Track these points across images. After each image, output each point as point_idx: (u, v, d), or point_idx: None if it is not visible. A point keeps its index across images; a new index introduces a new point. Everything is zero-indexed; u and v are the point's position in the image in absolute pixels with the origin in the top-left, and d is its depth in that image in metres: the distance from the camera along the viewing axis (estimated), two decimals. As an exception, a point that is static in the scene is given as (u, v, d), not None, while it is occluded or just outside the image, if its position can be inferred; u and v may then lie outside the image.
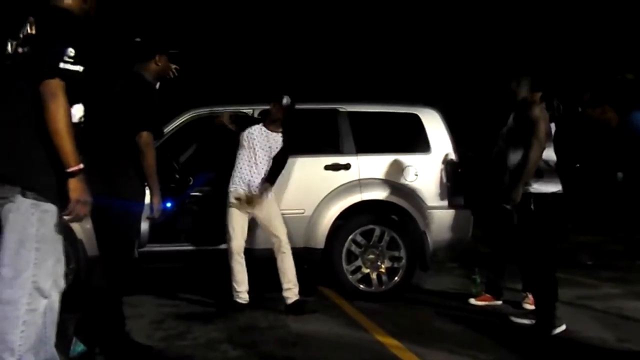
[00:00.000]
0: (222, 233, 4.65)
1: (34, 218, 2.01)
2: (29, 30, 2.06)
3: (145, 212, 4.20)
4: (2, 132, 2.05)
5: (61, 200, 2.04)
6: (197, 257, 4.66)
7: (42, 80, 1.97)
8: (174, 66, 3.24)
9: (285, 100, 4.22)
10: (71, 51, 2.03)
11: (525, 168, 3.47)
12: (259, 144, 4.25)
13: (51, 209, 2.04)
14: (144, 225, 4.34)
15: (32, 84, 1.99)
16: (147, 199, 3.48)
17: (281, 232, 4.19)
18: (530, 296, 4.14)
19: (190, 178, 5.51)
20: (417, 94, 8.08)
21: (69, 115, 2.00)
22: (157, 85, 3.20)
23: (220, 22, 12.37)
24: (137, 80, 3.06)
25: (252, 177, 4.23)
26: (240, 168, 4.27)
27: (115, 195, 2.86)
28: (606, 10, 11.04)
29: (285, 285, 4.14)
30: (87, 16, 2.25)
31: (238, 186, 4.25)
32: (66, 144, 1.98)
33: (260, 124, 4.32)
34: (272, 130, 4.28)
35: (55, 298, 2.13)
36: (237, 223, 4.20)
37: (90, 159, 2.44)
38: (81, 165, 2.01)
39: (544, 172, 3.54)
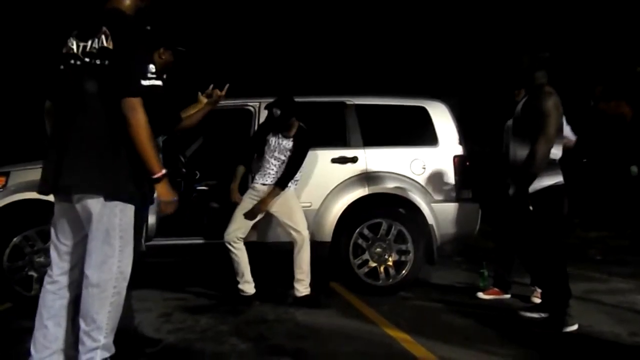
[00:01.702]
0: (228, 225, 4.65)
1: (117, 209, 2.25)
2: (105, 44, 2.21)
3: (152, 207, 4.22)
4: (81, 142, 2.21)
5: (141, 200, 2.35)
6: (204, 251, 4.64)
7: (125, 97, 2.16)
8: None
9: (275, 112, 4.16)
10: (152, 67, 2.38)
11: (529, 169, 3.28)
12: (277, 145, 4.24)
13: (131, 207, 2.30)
14: (152, 219, 4.35)
15: (114, 99, 2.17)
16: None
17: (302, 226, 4.17)
18: (538, 290, 4.11)
19: (197, 172, 5.53)
20: (426, 87, 8.03)
21: (148, 127, 2.20)
22: (164, 77, 3.17)
23: (227, 15, 12.33)
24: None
25: (275, 175, 4.21)
26: (264, 164, 4.25)
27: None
28: (621, 1, 10.92)
29: (298, 276, 4.13)
30: (141, 11, 2.40)
31: (257, 184, 4.24)
32: (149, 154, 2.21)
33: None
34: (284, 136, 4.27)
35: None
36: (241, 213, 4.20)
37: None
38: (164, 171, 2.27)
39: (548, 166, 3.38)
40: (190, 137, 5.38)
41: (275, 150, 4.24)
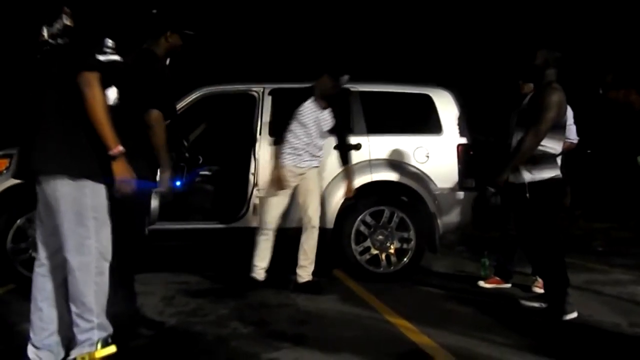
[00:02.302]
0: (232, 211, 4.66)
1: (86, 190, 2.23)
2: (65, 22, 2.18)
3: (154, 191, 4.23)
4: (48, 124, 2.20)
5: (108, 180, 2.27)
6: (206, 235, 4.66)
7: (80, 72, 2.13)
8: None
9: (344, 80, 4.11)
10: (109, 42, 2.25)
11: (515, 155, 3.38)
12: (311, 119, 4.15)
13: (101, 186, 2.26)
14: (155, 203, 4.35)
15: (71, 75, 2.15)
16: (157, 177, 3.48)
17: (313, 210, 4.17)
18: (539, 280, 4.12)
19: (200, 157, 5.52)
20: (431, 75, 7.99)
21: (105, 102, 2.17)
22: (167, 62, 3.15)
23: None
24: (147, 55, 3.01)
25: (302, 152, 4.16)
26: (292, 142, 4.16)
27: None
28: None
29: (301, 263, 4.14)
30: None
31: (288, 161, 4.16)
32: (105, 130, 2.17)
33: (312, 99, 4.18)
34: (321, 107, 4.17)
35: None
36: (276, 198, 4.15)
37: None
38: (121, 148, 2.21)
39: (540, 159, 3.42)
40: (193, 122, 5.36)
41: (318, 127, 4.17)
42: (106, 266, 2.30)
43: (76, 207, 2.21)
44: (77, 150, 2.19)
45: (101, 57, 2.19)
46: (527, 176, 3.45)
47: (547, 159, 3.44)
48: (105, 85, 2.20)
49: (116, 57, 2.23)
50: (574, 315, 3.39)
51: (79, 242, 2.22)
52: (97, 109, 2.13)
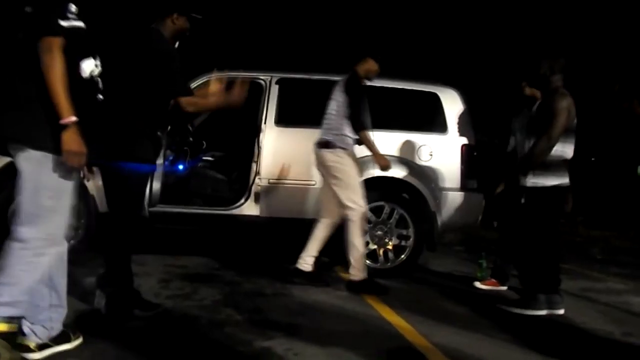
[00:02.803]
0: (233, 198, 4.68)
1: (46, 168, 2.13)
2: None
3: (158, 173, 4.24)
4: (7, 92, 2.14)
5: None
6: (206, 221, 4.68)
7: (41, 37, 2.06)
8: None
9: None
10: (72, 7, 2.12)
11: (528, 159, 3.43)
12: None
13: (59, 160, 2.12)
14: (156, 185, 4.38)
15: (34, 41, 2.07)
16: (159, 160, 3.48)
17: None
18: (492, 280, 4.21)
19: (204, 142, 5.53)
20: (436, 73, 7.97)
21: (62, 70, 2.07)
22: (176, 45, 3.13)
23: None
24: (153, 35, 2.97)
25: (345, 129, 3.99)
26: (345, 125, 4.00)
27: (128, 155, 2.85)
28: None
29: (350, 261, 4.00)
30: None
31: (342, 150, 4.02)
32: (58, 97, 2.06)
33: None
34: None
35: (65, 249, 2.29)
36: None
37: (106, 117, 2.48)
38: (73, 118, 2.09)
39: (551, 165, 3.49)
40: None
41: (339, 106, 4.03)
42: (52, 252, 2.20)
43: (34, 182, 2.13)
44: (43, 120, 2.09)
45: (63, 23, 2.08)
46: (529, 181, 3.50)
47: (558, 165, 3.52)
48: (79, 56, 2.15)
49: (79, 24, 2.11)
50: (543, 312, 3.52)
51: (29, 218, 2.13)
52: (53, 75, 2.04)
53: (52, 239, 2.20)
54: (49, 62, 2.05)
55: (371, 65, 4.08)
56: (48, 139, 2.10)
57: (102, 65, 2.34)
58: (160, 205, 4.45)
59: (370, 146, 4.00)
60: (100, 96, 2.34)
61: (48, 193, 2.14)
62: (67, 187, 2.21)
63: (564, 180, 3.55)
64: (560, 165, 3.53)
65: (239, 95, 3.05)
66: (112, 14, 2.48)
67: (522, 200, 3.59)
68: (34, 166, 2.13)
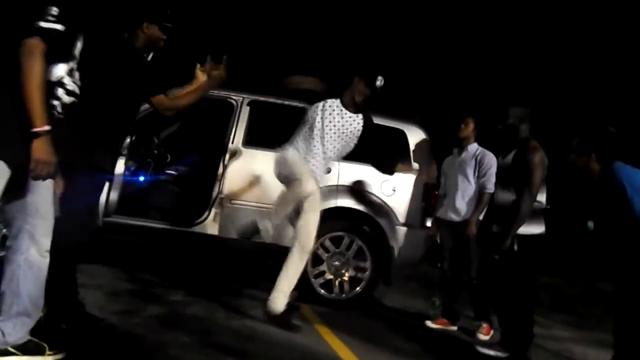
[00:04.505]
0: (192, 215, 4.59)
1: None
2: None
3: (116, 183, 4.14)
4: None
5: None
6: (162, 236, 4.57)
7: (22, 40, 2.00)
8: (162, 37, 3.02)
9: (379, 82, 3.75)
10: (53, 10, 2.08)
11: (515, 220, 3.48)
12: (332, 121, 3.80)
13: None
14: (114, 195, 4.27)
15: (14, 46, 2.01)
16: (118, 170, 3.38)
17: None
18: (485, 325, 4.20)
19: (168, 155, 5.44)
20: (402, 106, 8.14)
21: (42, 76, 2.02)
22: (150, 57, 3.09)
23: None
24: (123, 44, 2.92)
25: (313, 157, 3.78)
26: (299, 144, 3.82)
27: (83, 162, 2.76)
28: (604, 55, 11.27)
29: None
30: None
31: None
32: (33, 104, 2.01)
33: (338, 100, 3.85)
34: (350, 111, 3.84)
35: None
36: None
37: (72, 124, 2.42)
38: (46, 127, 2.04)
39: (534, 214, 3.58)
40: (167, 120, 5.30)
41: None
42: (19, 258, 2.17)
43: None
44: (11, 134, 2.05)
45: (43, 24, 2.04)
46: (524, 229, 3.56)
47: (537, 215, 3.61)
48: (52, 59, 2.10)
49: (58, 26, 2.06)
50: None
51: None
52: (30, 81, 1.99)
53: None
54: (30, 66, 1.99)
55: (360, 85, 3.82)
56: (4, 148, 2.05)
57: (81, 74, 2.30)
58: (116, 216, 4.33)
59: None
60: (57, 102, 2.26)
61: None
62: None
63: (543, 228, 3.67)
64: (539, 213, 3.66)
65: (219, 76, 3.07)
66: (89, 21, 2.43)
67: (515, 249, 3.59)
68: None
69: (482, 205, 4.27)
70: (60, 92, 2.24)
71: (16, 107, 2.02)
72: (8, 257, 2.18)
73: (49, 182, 2.18)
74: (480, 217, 4.24)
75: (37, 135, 2.03)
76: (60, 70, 2.20)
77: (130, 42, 2.94)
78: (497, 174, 3.99)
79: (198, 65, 3.24)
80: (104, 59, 2.86)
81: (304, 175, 3.58)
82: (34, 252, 2.20)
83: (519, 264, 3.58)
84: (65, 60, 2.21)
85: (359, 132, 3.89)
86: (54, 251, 2.82)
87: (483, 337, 4.17)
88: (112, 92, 2.80)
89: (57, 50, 2.12)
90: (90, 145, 2.77)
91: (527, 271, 3.60)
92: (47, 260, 2.27)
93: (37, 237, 2.20)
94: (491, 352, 3.69)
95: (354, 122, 3.86)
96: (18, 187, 2.13)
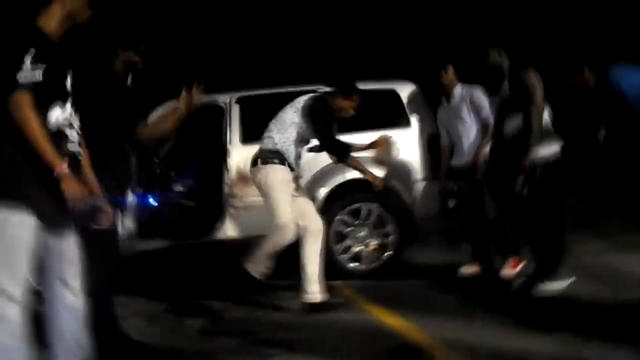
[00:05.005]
0: (210, 223, 4.62)
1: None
2: None
3: (128, 211, 4.16)
4: None
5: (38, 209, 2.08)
6: (186, 251, 4.62)
7: (7, 97, 2.02)
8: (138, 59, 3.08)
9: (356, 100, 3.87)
10: (27, 60, 2.05)
11: (530, 136, 3.45)
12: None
13: (18, 215, 2.06)
14: (130, 224, 4.30)
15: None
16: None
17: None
18: (512, 260, 4.20)
19: (172, 172, 5.46)
20: (395, 67, 8.06)
21: (39, 123, 2.03)
22: (129, 80, 3.11)
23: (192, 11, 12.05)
24: (103, 74, 2.97)
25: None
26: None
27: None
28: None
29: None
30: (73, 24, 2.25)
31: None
32: (44, 150, 2.04)
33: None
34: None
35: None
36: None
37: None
38: (65, 166, 2.07)
39: (543, 136, 3.54)
40: (161, 139, 5.31)
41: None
42: (7, 310, 2.04)
43: None
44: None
45: (21, 79, 2.02)
46: (538, 156, 3.54)
47: (548, 136, 3.57)
48: (44, 105, 2.10)
49: (36, 73, 2.04)
50: (566, 283, 3.47)
51: None
52: (30, 131, 2.01)
53: (8, 294, 2.05)
54: (24, 119, 2.01)
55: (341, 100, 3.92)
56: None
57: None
58: (138, 242, 4.38)
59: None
60: (71, 143, 2.26)
61: None
62: (12, 239, 2.08)
63: (559, 147, 3.63)
64: (549, 134, 3.62)
65: (188, 100, 3.01)
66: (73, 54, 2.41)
67: (538, 176, 3.54)
68: None
69: (487, 138, 4.26)
70: (68, 131, 2.24)
71: (29, 159, 2.05)
72: (48, 310, 2.23)
73: (71, 225, 2.21)
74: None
75: (61, 174, 2.06)
76: (54, 114, 2.20)
77: (109, 71, 2.97)
78: (499, 110, 3.93)
79: (183, 92, 3.18)
80: (94, 89, 2.90)
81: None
82: (69, 296, 2.23)
83: (544, 189, 3.55)
84: (61, 99, 2.20)
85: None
86: (88, 288, 2.88)
87: (512, 270, 4.18)
88: (107, 121, 2.85)
89: (47, 94, 2.12)
90: (100, 176, 2.79)
91: (552, 194, 3.58)
92: (83, 300, 2.30)
93: (68, 281, 2.23)
94: (525, 282, 3.67)
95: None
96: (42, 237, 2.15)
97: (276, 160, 3.72)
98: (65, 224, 2.21)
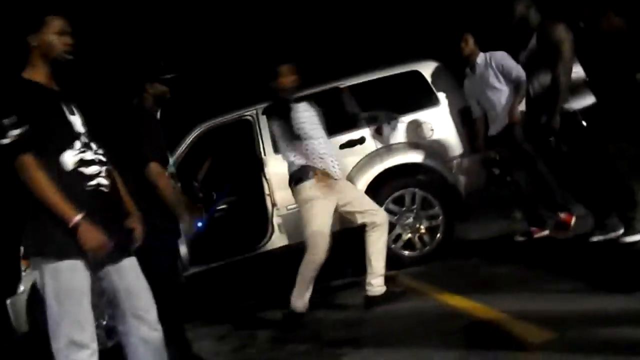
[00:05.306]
0: (258, 236, 4.68)
1: (47, 270, 2.10)
2: None
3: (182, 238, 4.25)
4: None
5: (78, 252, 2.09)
6: (241, 266, 4.69)
7: (10, 161, 2.06)
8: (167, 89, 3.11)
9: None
10: (6, 121, 2.05)
11: (558, 95, 3.37)
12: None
13: (63, 265, 2.09)
14: (183, 249, 4.40)
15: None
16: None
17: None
18: (560, 215, 4.09)
19: (214, 193, 5.57)
20: (417, 47, 7.94)
21: (46, 180, 2.05)
22: (159, 113, 3.16)
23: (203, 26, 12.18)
24: (134, 111, 3.05)
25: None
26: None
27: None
28: None
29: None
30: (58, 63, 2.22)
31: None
32: (56, 206, 2.05)
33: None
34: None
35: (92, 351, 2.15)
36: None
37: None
38: (78, 217, 2.05)
39: (577, 87, 3.44)
40: (198, 162, 5.42)
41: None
42: (82, 355, 2.07)
43: (43, 287, 2.13)
44: (34, 228, 2.14)
45: (4, 141, 2.03)
46: (573, 106, 3.46)
47: (581, 86, 3.48)
48: (54, 152, 2.11)
49: (17, 132, 2.03)
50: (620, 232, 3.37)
51: (50, 326, 2.09)
52: (39, 190, 2.04)
53: (77, 344, 2.08)
54: (30, 179, 2.04)
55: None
56: (50, 249, 2.09)
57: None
58: (193, 267, 4.48)
59: None
60: (93, 179, 2.22)
61: (54, 295, 2.09)
62: (73, 285, 2.11)
63: (593, 98, 3.51)
64: (582, 84, 3.51)
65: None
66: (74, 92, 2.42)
67: (584, 125, 3.45)
68: (39, 271, 2.12)
69: (520, 95, 4.19)
70: (87, 168, 2.20)
71: (45, 211, 2.08)
72: (125, 343, 2.24)
73: (131, 259, 2.26)
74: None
75: (77, 226, 2.06)
76: (70, 156, 2.15)
77: (141, 106, 3.03)
78: (526, 66, 3.82)
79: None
80: (120, 129, 2.97)
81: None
82: (145, 329, 2.25)
83: (588, 141, 3.44)
84: (70, 141, 2.18)
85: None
86: (161, 317, 2.94)
87: (564, 230, 4.06)
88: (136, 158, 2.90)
89: (52, 142, 2.12)
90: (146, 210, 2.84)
91: (601, 143, 3.46)
92: (160, 331, 2.30)
93: (142, 315, 2.24)
94: (601, 237, 3.54)
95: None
96: (97, 279, 2.21)
97: (294, 182, 3.68)
98: (119, 259, 2.23)
